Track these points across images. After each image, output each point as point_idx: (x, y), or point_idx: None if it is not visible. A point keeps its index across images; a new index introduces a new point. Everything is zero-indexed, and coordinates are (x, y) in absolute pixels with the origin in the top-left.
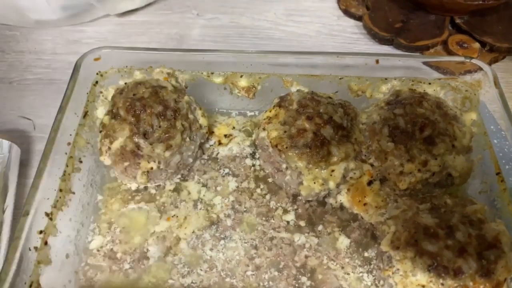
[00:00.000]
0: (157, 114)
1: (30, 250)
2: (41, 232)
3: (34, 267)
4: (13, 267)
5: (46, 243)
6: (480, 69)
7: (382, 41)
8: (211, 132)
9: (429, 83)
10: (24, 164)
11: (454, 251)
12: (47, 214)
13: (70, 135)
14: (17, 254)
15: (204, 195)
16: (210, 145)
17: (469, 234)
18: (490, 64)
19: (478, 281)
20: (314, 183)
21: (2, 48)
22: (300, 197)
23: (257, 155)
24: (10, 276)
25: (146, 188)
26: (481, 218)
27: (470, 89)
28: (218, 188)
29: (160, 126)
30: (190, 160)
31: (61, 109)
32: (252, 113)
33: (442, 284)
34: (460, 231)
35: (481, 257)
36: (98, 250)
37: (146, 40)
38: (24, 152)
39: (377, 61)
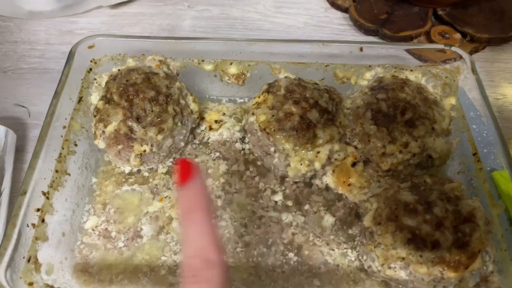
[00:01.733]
0: (150, 99)
1: (28, 226)
2: (38, 210)
3: (32, 243)
4: (12, 242)
5: (43, 220)
6: (459, 57)
7: (367, 32)
8: (202, 118)
9: (411, 70)
10: (19, 150)
11: (432, 225)
12: (44, 193)
13: (66, 119)
14: (16, 230)
15: None
16: (201, 131)
17: (446, 210)
18: (471, 54)
19: (454, 252)
20: (301, 164)
21: None
22: (287, 179)
23: (246, 140)
24: (9, 251)
25: (139, 171)
26: (458, 195)
27: (450, 75)
28: (209, 171)
29: (152, 111)
30: (182, 144)
31: (56, 94)
32: (242, 100)
33: (421, 256)
34: (438, 207)
35: (457, 230)
36: (93, 230)
37: (138, 31)
38: (20, 138)
39: (361, 49)
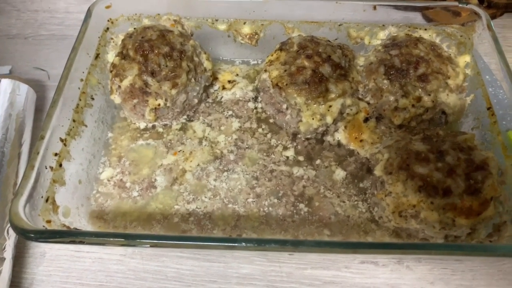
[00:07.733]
0: (164, 54)
1: (46, 168)
2: (56, 154)
3: (50, 185)
4: (30, 181)
5: (60, 165)
6: (474, 18)
7: None
8: (215, 78)
9: (425, 29)
10: (39, 109)
11: (444, 172)
12: (61, 140)
13: (83, 72)
14: (34, 171)
15: (208, 134)
16: (215, 90)
17: (458, 158)
18: None
19: (466, 199)
20: (313, 118)
21: (17, 7)
22: (299, 135)
23: (259, 99)
24: (27, 189)
25: (154, 127)
26: (471, 145)
27: (465, 33)
28: (222, 128)
29: (166, 66)
30: (195, 101)
31: (74, 49)
32: (255, 62)
33: (432, 203)
34: (450, 155)
35: (469, 177)
36: (108, 180)
37: None
38: (39, 99)
39: (374, 7)
